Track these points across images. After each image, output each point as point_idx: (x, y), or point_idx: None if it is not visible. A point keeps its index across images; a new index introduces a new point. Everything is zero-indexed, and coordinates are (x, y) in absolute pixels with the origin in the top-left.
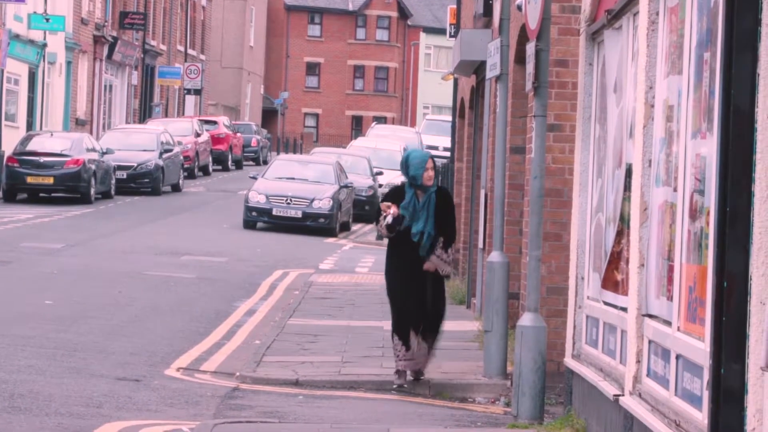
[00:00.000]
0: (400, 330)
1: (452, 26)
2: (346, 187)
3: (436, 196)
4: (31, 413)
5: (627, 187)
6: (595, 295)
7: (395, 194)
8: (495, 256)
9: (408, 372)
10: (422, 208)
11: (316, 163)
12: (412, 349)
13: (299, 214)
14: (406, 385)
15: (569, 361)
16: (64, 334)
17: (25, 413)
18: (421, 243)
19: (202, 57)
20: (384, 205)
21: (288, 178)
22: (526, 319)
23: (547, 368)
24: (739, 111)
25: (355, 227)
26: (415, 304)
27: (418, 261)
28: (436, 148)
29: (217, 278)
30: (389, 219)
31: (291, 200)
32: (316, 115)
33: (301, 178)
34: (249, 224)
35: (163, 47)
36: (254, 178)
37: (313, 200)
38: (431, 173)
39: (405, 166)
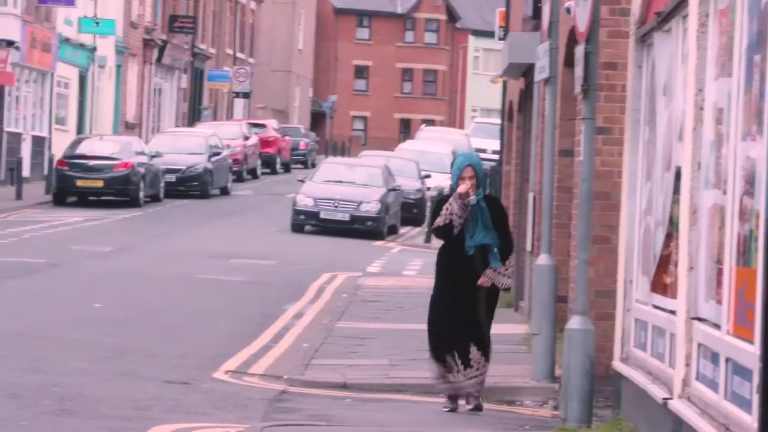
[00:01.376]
0: (438, 352)
1: (501, 29)
2: (393, 190)
3: (486, 204)
4: (81, 416)
5: (676, 190)
6: (643, 298)
7: (442, 204)
8: (543, 259)
9: (459, 397)
10: (473, 218)
11: (364, 167)
12: (453, 371)
13: (347, 218)
14: (457, 410)
15: (618, 365)
16: (114, 337)
17: (75, 416)
18: (486, 256)
19: (251, 60)
20: (463, 186)
21: (336, 182)
22: (574, 323)
23: (595, 371)
24: None
25: (403, 230)
26: (461, 325)
27: (473, 277)
28: (484, 151)
29: (265, 281)
30: (473, 198)
31: (338, 203)
32: (365, 118)
33: (348, 181)
34: (297, 227)
35: (213, 51)
36: (302, 181)
37: (360, 203)
38: (468, 182)
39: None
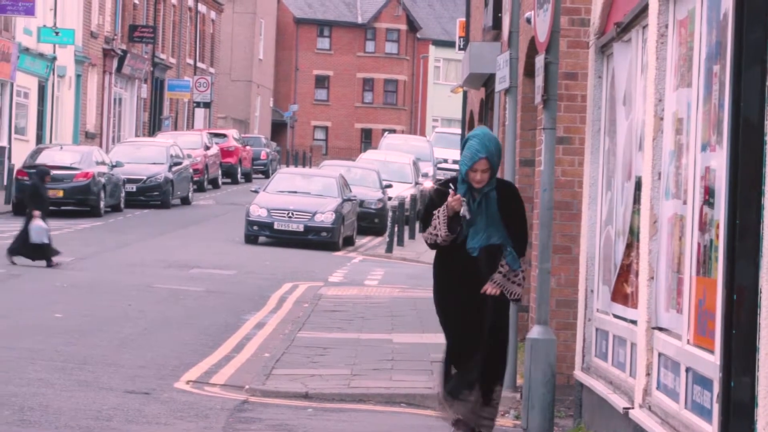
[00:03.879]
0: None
1: (461, 39)
2: (349, 200)
3: (497, 194)
4: (41, 426)
5: (636, 199)
6: (604, 307)
7: (443, 195)
8: None
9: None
10: (478, 210)
11: (319, 177)
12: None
13: (301, 228)
14: None
15: (579, 374)
16: (74, 347)
17: (35, 426)
18: (495, 256)
19: (212, 70)
20: (452, 199)
21: (290, 192)
22: (535, 332)
23: (556, 381)
24: (749, 124)
25: (363, 240)
26: (474, 338)
27: (479, 281)
28: (445, 160)
29: (226, 291)
30: (464, 210)
31: (293, 214)
32: (326, 128)
33: (303, 191)
34: (250, 238)
35: (173, 60)
36: (256, 191)
37: (315, 214)
38: (480, 176)
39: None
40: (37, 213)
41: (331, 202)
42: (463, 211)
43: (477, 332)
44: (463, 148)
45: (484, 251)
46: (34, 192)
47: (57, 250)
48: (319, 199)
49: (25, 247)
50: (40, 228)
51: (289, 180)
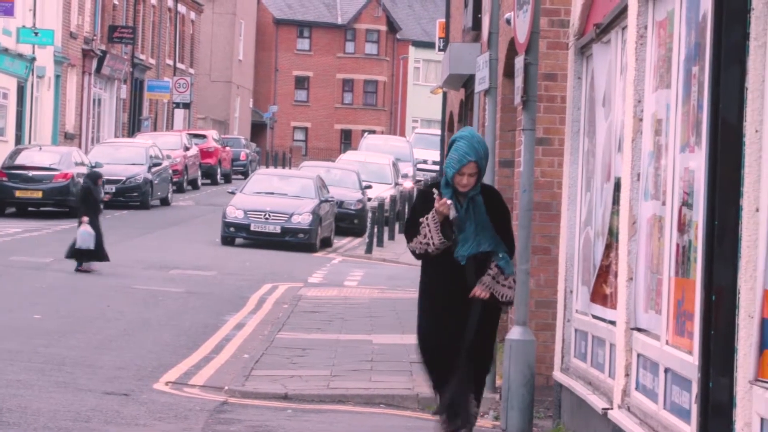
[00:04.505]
0: (440, 383)
1: (441, 40)
2: (327, 201)
3: (483, 199)
4: (19, 428)
5: (615, 200)
6: (583, 308)
7: (427, 200)
8: None
9: None
10: (466, 216)
11: (296, 178)
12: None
13: (278, 230)
14: None
15: (558, 375)
16: (53, 349)
17: (13, 428)
18: (483, 264)
19: (191, 71)
20: (439, 203)
21: (267, 193)
22: (514, 333)
23: (535, 382)
24: (728, 125)
25: (343, 241)
26: (458, 349)
27: (466, 290)
28: (425, 161)
29: (205, 292)
30: (452, 212)
31: (269, 215)
32: (305, 129)
33: (280, 192)
34: (227, 240)
35: (152, 61)
36: (233, 193)
37: (292, 215)
38: (467, 180)
39: (446, 155)
40: (85, 219)
41: (308, 204)
42: (452, 213)
43: (459, 346)
44: (449, 149)
45: (472, 259)
46: (86, 196)
47: (105, 257)
48: (296, 201)
49: (71, 251)
50: (87, 234)
51: (266, 181)
